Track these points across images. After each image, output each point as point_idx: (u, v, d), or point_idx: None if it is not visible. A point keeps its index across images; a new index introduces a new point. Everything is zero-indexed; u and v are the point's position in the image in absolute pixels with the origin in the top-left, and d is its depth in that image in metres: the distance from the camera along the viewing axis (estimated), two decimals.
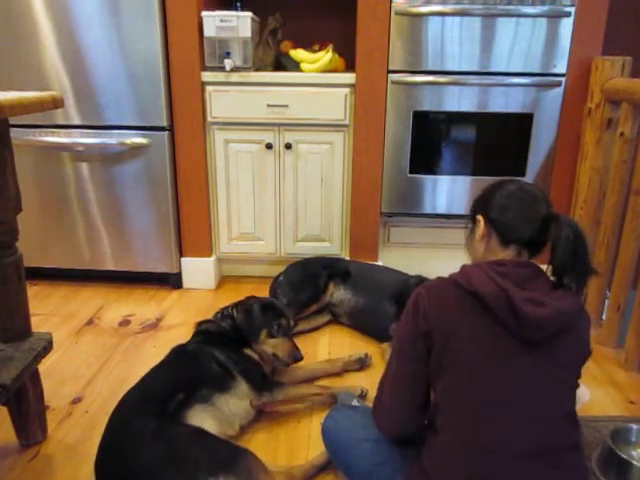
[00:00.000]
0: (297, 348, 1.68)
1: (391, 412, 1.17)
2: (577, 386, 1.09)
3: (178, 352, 1.57)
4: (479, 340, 1.02)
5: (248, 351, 1.63)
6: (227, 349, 1.56)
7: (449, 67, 2.18)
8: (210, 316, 1.75)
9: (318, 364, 1.83)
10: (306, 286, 2.13)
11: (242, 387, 1.51)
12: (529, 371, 1.01)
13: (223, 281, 2.56)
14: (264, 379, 1.58)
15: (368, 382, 1.71)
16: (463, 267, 1.09)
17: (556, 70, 2.17)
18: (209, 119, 2.27)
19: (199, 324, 1.70)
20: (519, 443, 0.98)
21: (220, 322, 1.68)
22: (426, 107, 2.22)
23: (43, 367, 1.53)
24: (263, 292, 2.16)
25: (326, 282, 2.15)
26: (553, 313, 0.99)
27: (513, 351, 1.01)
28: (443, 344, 1.04)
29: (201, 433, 1.25)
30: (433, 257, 2.48)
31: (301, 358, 1.67)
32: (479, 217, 1.18)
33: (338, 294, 2.15)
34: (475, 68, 2.18)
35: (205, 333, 1.65)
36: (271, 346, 1.64)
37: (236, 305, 1.71)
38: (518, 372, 1.01)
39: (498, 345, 1.01)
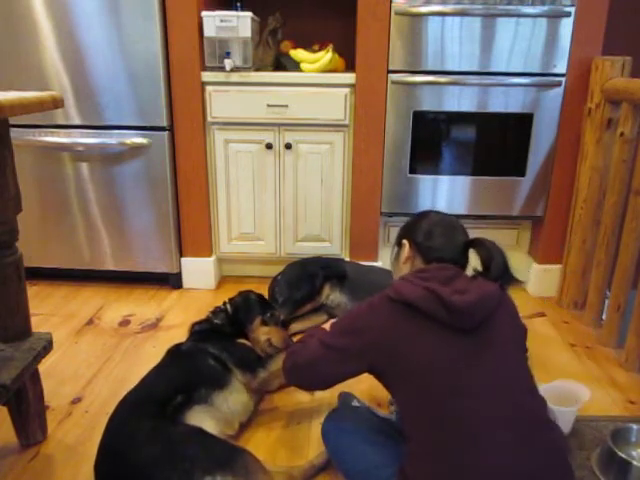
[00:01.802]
0: (289, 336, 1.75)
1: (302, 377, 1.31)
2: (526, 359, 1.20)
3: (174, 353, 1.58)
4: (420, 344, 1.09)
5: (241, 340, 1.67)
6: (221, 342, 1.59)
7: (449, 67, 2.18)
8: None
9: None
10: (302, 285, 2.13)
11: (238, 378, 1.52)
12: (476, 360, 1.07)
13: (223, 281, 2.56)
14: (258, 360, 1.61)
15: (368, 382, 1.71)
16: (393, 283, 1.20)
17: (556, 70, 2.17)
18: (209, 119, 2.27)
19: (193, 325, 1.72)
20: (487, 431, 1.00)
21: (213, 319, 1.72)
22: (426, 107, 2.22)
23: (43, 367, 1.53)
24: (263, 292, 2.15)
25: (322, 282, 2.15)
26: (479, 297, 1.10)
27: (457, 345, 1.08)
28: (390, 360, 1.12)
29: (199, 432, 1.26)
30: None
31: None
32: (404, 241, 1.31)
33: (334, 297, 2.15)
34: (475, 68, 2.18)
35: (199, 332, 1.67)
36: (264, 333, 1.69)
37: (229, 300, 1.78)
38: (466, 364, 1.06)
39: (442, 344, 1.09)
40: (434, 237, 1.26)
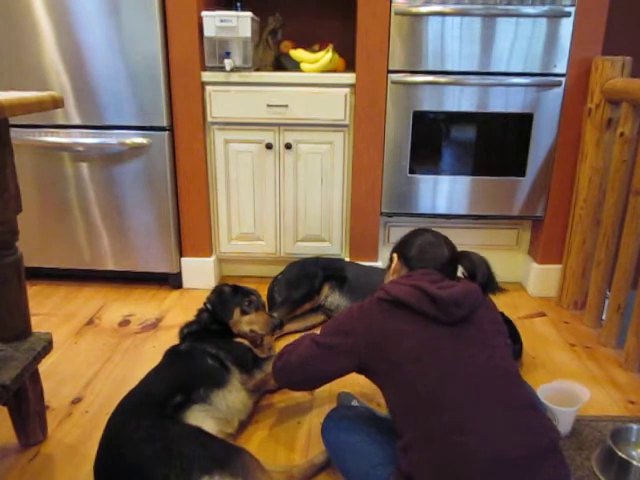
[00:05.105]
0: (272, 316, 1.76)
1: (292, 375, 1.36)
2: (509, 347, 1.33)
3: (172, 353, 1.58)
4: (408, 337, 1.15)
5: (237, 339, 1.68)
6: (217, 341, 1.59)
7: (449, 67, 2.18)
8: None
9: None
10: (302, 285, 2.13)
11: (236, 376, 1.52)
12: (465, 350, 1.12)
13: (223, 281, 2.55)
14: (255, 360, 1.60)
15: (368, 382, 1.71)
16: (382, 285, 1.27)
17: (556, 70, 2.17)
18: (209, 119, 2.27)
19: (182, 329, 1.71)
20: (480, 420, 1.04)
21: (199, 319, 1.72)
22: (426, 107, 2.22)
23: (43, 367, 1.54)
24: (263, 292, 2.15)
25: (321, 282, 2.16)
26: (463, 290, 1.18)
27: (441, 336, 1.14)
28: (381, 357, 1.17)
29: (197, 432, 1.26)
30: None
31: (280, 324, 1.76)
32: (394, 255, 1.41)
33: (333, 298, 2.15)
34: (475, 68, 2.18)
35: (192, 333, 1.67)
36: (247, 323, 1.71)
37: (207, 298, 1.78)
38: (456, 355, 1.12)
39: (427, 336, 1.14)
40: (419, 251, 1.35)
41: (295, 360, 1.31)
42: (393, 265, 1.39)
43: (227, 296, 1.74)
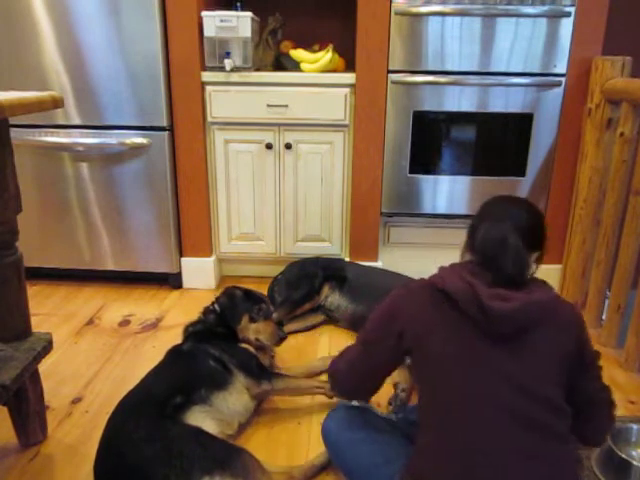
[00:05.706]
0: (279, 328, 1.73)
1: (344, 382, 1.30)
2: (586, 378, 1.11)
3: (174, 353, 1.58)
4: (452, 339, 1.06)
5: (243, 345, 1.66)
6: (220, 344, 1.58)
7: (449, 67, 2.18)
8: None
9: (316, 361, 1.85)
10: (301, 285, 2.13)
11: (240, 380, 1.52)
12: (502, 366, 1.03)
13: (223, 281, 2.55)
14: (261, 369, 1.59)
15: None
16: (440, 269, 1.14)
17: (556, 70, 2.17)
18: (209, 119, 2.27)
19: (186, 328, 1.70)
20: (497, 438, 0.99)
21: (205, 320, 1.71)
22: (426, 107, 2.22)
23: (43, 367, 1.54)
24: (263, 292, 2.15)
25: (321, 283, 2.15)
26: (521, 305, 1.02)
27: (486, 347, 1.04)
28: (419, 346, 1.10)
29: (198, 432, 1.26)
30: (433, 257, 2.48)
31: (285, 336, 1.72)
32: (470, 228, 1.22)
33: (333, 298, 2.14)
34: (475, 68, 2.18)
35: (195, 333, 1.66)
36: (253, 331, 1.68)
37: (216, 299, 1.75)
38: (490, 368, 1.03)
39: (471, 342, 1.05)
40: (480, 233, 1.12)
41: (343, 367, 1.26)
42: (465, 239, 1.20)
43: (238, 300, 1.71)
